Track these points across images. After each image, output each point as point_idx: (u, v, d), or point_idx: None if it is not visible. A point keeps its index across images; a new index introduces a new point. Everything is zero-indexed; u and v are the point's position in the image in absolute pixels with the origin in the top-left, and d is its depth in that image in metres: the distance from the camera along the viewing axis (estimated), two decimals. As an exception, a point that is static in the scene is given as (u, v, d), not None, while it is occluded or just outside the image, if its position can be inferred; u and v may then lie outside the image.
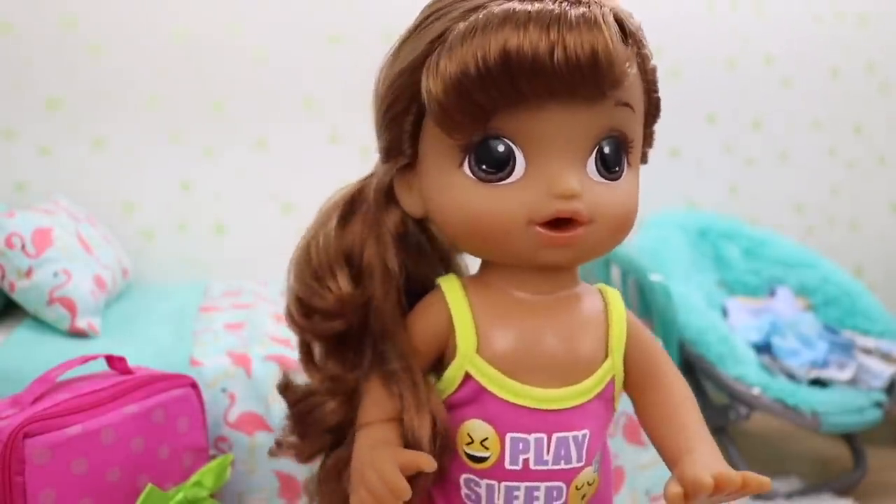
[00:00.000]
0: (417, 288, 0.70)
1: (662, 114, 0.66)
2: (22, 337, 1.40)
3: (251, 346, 1.37)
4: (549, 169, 0.59)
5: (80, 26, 1.90)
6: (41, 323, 1.45)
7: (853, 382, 1.79)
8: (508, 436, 0.63)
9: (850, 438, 1.90)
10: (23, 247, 1.44)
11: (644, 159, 0.67)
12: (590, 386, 0.64)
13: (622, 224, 0.63)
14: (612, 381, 0.66)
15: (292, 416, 0.71)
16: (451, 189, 0.61)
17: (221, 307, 1.68)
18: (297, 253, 0.68)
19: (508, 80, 0.55)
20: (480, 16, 0.56)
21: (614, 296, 0.69)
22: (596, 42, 0.55)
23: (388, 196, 0.67)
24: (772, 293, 2.08)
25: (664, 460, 0.65)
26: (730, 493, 0.56)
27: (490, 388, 0.63)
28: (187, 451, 1.10)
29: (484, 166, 0.59)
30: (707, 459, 0.60)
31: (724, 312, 2.00)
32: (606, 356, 0.66)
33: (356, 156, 1.85)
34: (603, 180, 0.61)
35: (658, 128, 0.68)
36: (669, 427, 0.65)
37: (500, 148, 0.59)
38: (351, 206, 0.68)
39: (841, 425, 1.71)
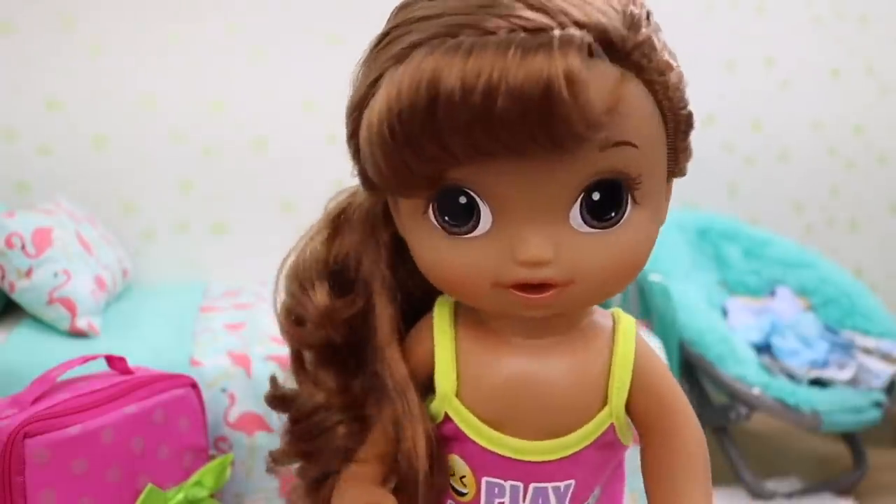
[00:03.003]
0: (418, 304, 0.64)
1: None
2: (22, 337, 1.40)
3: (251, 346, 1.37)
4: (514, 230, 0.50)
5: (80, 26, 1.90)
6: (41, 323, 1.45)
7: (853, 382, 1.79)
8: (484, 479, 0.60)
9: (850, 438, 1.89)
10: (23, 247, 1.44)
11: (682, 172, 0.59)
12: (579, 438, 0.58)
13: (617, 276, 0.53)
14: (612, 426, 0.59)
15: (297, 433, 0.65)
16: (418, 235, 0.54)
17: (221, 307, 1.68)
18: (286, 266, 0.64)
19: (439, 141, 0.45)
20: (413, 57, 0.46)
21: (626, 331, 0.60)
22: (552, 76, 0.42)
23: (384, 210, 0.61)
24: (772, 293, 2.08)
25: None
26: None
27: (467, 432, 0.59)
28: (187, 451, 1.10)
29: (446, 217, 0.51)
30: None
31: (725, 312, 2.00)
32: (605, 404, 0.58)
33: (356, 156, 1.85)
34: (592, 230, 0.50)
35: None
36: (663, 490, 0.58)
37: (462, 200, 0.50)
38: (341, 220, 0.64)
39: (841, 425, 1.71)
